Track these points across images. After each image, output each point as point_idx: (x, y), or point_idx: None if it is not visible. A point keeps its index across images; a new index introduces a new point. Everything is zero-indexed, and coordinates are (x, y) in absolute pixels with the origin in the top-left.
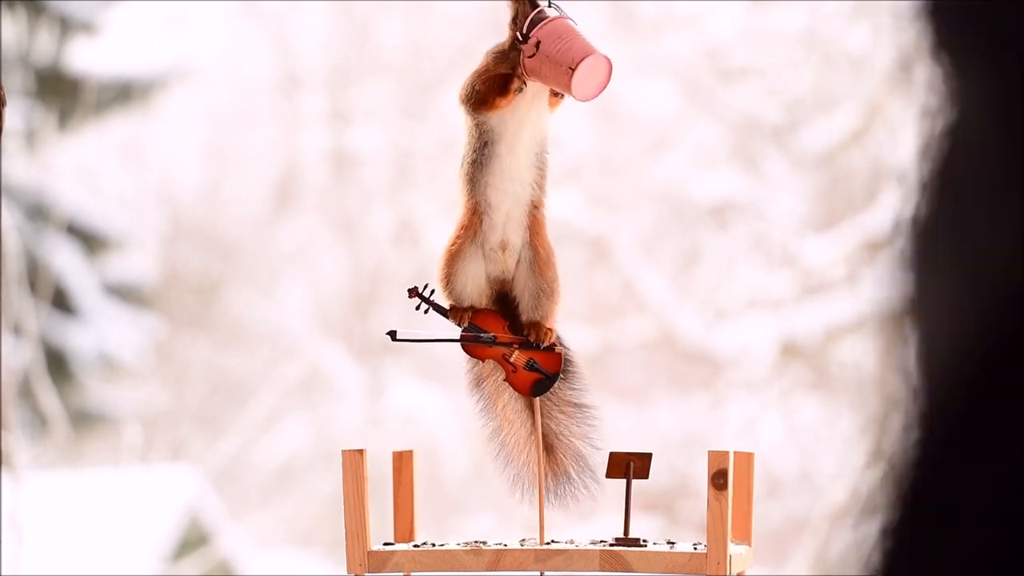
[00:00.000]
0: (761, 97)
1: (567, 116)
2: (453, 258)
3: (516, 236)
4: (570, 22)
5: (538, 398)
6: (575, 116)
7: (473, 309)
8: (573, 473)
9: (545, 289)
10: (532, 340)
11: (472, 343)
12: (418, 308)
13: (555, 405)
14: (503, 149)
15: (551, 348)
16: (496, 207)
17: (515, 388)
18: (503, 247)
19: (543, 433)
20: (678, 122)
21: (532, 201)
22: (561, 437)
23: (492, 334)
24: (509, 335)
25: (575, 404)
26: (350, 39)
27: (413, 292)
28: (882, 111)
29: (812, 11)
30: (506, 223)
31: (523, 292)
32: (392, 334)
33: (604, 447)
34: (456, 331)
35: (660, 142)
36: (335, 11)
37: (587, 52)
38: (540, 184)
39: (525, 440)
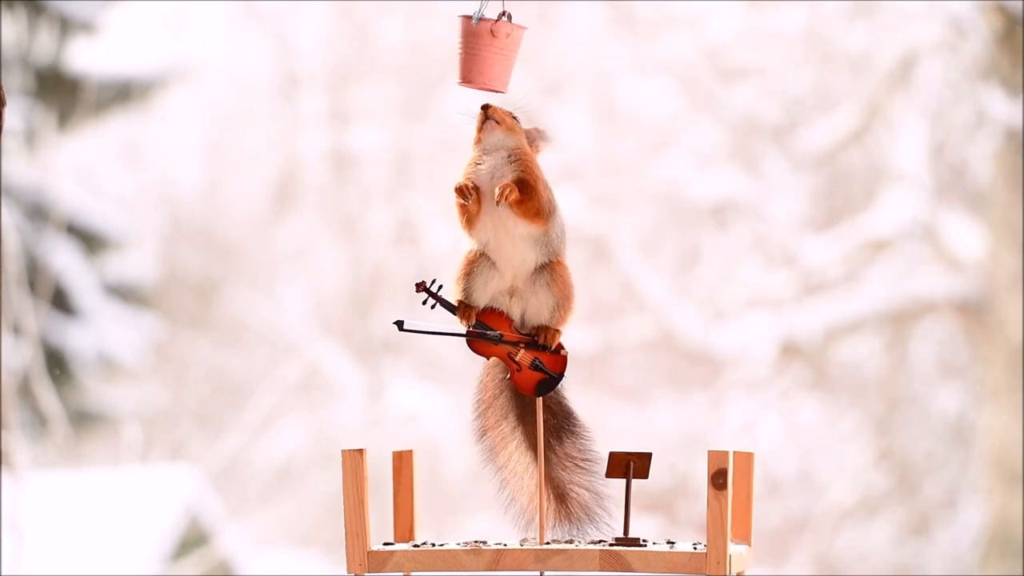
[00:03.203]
0: (761, 97)
1: (567, 116)
2: (472, 263)
3: (525, 285)
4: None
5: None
6: (576, 116)
7: (480, 307)
8: (587, 518)
9: (559, 299)
10: (540, 342)
11: (478, 339)
12: (424, 303)
13: (562, 459)
14: (492, 246)
15: (557, 351)
16: (502, 271)
17: (519, 387)
18: (511, 293)
19: (554, 484)
20: (678, 122)
21: (540, 262)
22: (572, 487)
23: (498, 332)
24: (515, 334)
25: (583, 459)
26: (350, 39)
27: (420, 287)
28: (882, 111)
29: (812, 11)
30: (514, 278)
31: (538, 301)
32: (399, 324)
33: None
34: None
35: (660, 142)
36: (335, 11)
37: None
38: (551, 251)
39: (533, 492)
